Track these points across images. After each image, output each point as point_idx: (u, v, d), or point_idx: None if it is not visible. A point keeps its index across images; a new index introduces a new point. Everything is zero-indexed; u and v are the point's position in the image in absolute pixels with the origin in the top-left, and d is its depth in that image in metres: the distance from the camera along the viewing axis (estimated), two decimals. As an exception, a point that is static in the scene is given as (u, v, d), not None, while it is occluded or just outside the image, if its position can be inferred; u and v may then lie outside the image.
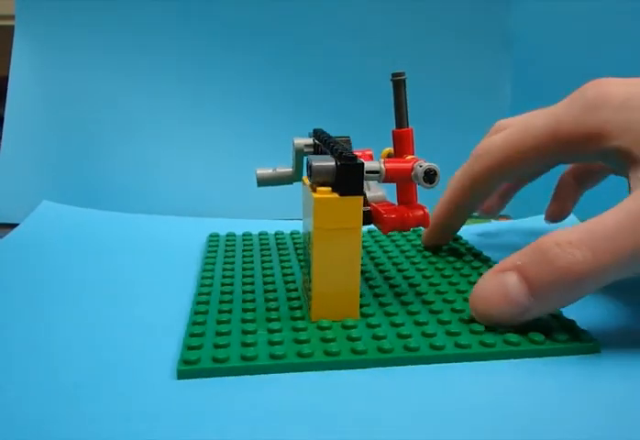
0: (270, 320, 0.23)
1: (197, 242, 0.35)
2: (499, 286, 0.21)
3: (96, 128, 0.49)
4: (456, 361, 0.20)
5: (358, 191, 0.22)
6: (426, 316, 0.23)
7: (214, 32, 0.49)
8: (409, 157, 0.25)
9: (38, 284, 0.29)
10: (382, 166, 0.23)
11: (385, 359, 0.20)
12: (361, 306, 0.24)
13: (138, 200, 0.46)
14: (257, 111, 0.50)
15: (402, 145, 0.25)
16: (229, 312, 0.24)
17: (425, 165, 0.23)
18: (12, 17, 0.49)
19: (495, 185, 0.29)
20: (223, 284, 0.27)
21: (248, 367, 0.20)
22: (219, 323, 0.23)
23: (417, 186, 0.25)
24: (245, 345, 0.21)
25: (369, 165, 0.23)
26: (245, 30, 0.49)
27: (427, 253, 0.32)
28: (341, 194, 0.21)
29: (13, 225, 0.41)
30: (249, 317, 0.23)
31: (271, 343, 0.21)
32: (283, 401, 0.18)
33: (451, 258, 0.31)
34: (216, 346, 0.21)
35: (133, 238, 0.37)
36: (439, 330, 0.22)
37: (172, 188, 0.48)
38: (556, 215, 0.35)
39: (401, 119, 0.25)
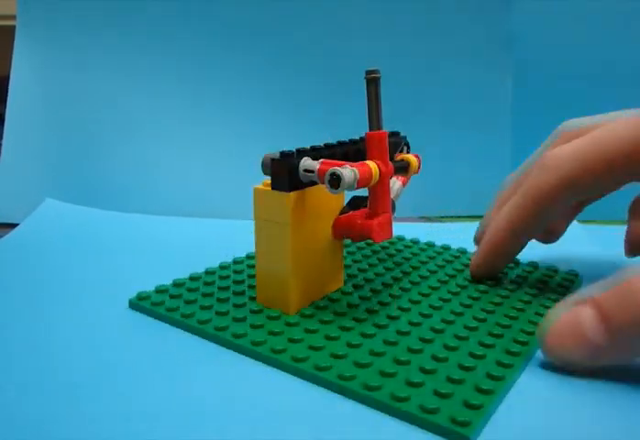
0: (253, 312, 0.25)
1: (198, 242, 0.36)
2: (573, 322, 0.20)
3: (97, 128, 0.49)
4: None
5: (284, 187, 0.22)
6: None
7: (214, 32, 0.49)
8: (369, 161, 0.23)
9: (39, 284, 0.29)
10: (318, 166, 0.22)
11: None
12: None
13: (138, 200, 0.46)
14: (257, 111, 0.50)
15: (379, 149, 0.23)
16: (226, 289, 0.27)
17: (335, 169, 0.21)
18: (13, 17, 0.49)
19: (565, 204, 0.25)
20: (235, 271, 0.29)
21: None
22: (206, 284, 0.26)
23: (388, 192, 0.23)
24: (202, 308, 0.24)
25: (307, 164, 0.22)
26: (245, 30, 0.49)
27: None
28: (272, 188, 0.23)
29: (13, 225, 0.41)
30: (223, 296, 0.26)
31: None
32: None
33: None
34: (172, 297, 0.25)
35: (134, 238, 0.37)
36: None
37: (172, 188, 0.48)
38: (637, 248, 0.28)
39: (374, 120, 0.22)
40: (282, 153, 0.23)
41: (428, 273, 0.30)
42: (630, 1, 0.46)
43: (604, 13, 0.47)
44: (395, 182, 0.28)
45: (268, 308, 0.25)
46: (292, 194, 0.22)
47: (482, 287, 0.28)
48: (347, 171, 0.21)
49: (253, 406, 0.18)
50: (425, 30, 0.49)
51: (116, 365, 0.21)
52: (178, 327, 0.24)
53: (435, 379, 0.19)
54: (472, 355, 0.21)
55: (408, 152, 0.29)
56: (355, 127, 0.29)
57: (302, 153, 0.23)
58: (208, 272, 0.29)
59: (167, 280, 0.28)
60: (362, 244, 0.34)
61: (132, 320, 0.25)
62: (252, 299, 0.26)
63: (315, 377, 0.20)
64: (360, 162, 0.22)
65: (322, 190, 0.23)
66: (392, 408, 0.18)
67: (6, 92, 0.48)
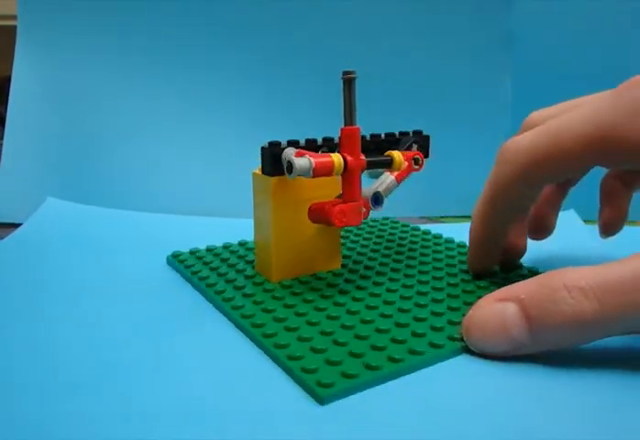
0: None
1: (198, 241, 0.36)
2: (497, 317, 0.20)
3: (97, 128, 0.49)
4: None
5: (267, 171, 0.26)
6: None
7: (213, 33, 0.49)
8: (335, 154, 0.25)
9: (42, 283, 0.29)
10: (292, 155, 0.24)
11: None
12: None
13: (138, 200, 0.46)
14: (257, 111, 0.50)
15: (351, 143, 0.25)
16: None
17: (289, 157, 0.24)
18: (14, 18, 0.49)
19: (525, 194, 0.25)
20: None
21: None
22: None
23: (360, 178, 0.25)
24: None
25: (287, 153, 0.25)
26: (245, 30, 0.49)
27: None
28: (262, 172, 0.26)
29: (13, 225, 0.41)
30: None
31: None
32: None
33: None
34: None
35: (136, 237, 0.37)
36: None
37: (172, 188, 0.49)
38: (611, 227, 0.30)
39: (349, 117, 0.25)
40: (270, 143, 0.26)
41: (430, 268, 0.30)
42: (630, 1, 0.46)
43: (604, 13, 0.47)
44: (388, 177, 0.28)
45: (260, 275, 0.29)
46: (274, 179, 0.26)
47: (470, 281, 0.28)
48: (302, 160, 0.23)
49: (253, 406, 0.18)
50: (425, 30, 0.49)
51: (116, 365, 0.21)
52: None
53: (339, 351, 0.21)
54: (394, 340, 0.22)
55: (418, 150, 0.30)
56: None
57: (292, 144, 0.26)
58: (241, 243, 0.34)
59: (167, 280, 0.28)
60: (387, 234, 0.36)
61: (132, 319, 0.25)
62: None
63: (250, 334, 0.23)
64: (326, 154, 0.24)
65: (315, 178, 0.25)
66: (285, 365, 0.20)
67: (7, 92, 0.48)
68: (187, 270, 0.30)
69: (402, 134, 0.30)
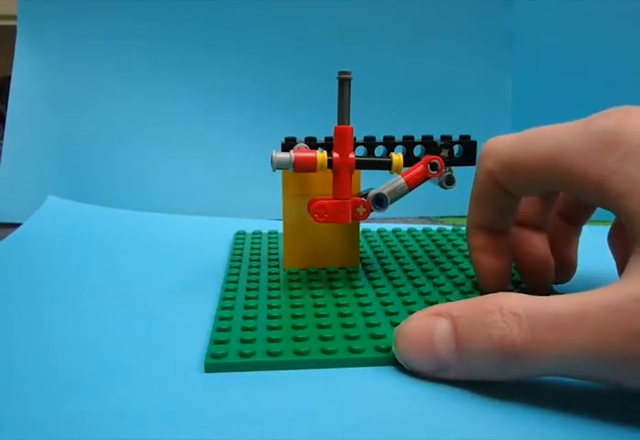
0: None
1: (199, 241, 0.36)
2: (426, 331, 0.19)
3: (97, 128, 0.49)
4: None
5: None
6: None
7: (213, 33, 0.49)
8: (319, 151, 0.25)
9: (44, 282, 0.29)
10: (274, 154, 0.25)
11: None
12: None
13: (138, 199, 0.46)
14: (257, 111, 0.50)
15: (341, 141, 0.25)
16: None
17: (272, 152, 0.25)
18: (14, 17, 0.49)
19: (501, 197, 0.24)
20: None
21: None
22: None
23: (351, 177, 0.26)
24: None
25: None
26: (245, 31, 0.49)
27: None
28: None
29: (14, 225, 0.41)
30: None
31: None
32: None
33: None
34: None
35: (136, 237, 0.38)
36: None
37: (172, 187, 0.49)
38: (562, 275, 0.27)
39: (342, 116, 0.25)
40: (287, 138, 0.27)
41: (444, 277, 0.29)
42: (630, 1, 0.46)
43: (604, 13, 0.47)
44: (398, 180, 0.27)
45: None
46: (284, 172, 0.27)
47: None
48: (281, 154, 0.25)
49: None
50: (425, 31, 0.49)
51: (117, 364, 0.21)
52: None
53: (262, 334, 0.22)
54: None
55: (448, 155, 0.29)
56: (355, 127, 0.29)
57: (309, 141, 0.27)
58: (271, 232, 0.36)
59: (168, 279, 0.28)
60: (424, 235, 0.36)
61: (132, 319, 0.25)
62: None
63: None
64: (313, 151, 0.25)
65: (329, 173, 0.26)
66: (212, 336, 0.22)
67: (8, 92, 0.48)
68: (233, 247, 0.33)
69: (445, 138, 0.29)
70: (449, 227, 0.37)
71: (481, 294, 0.24)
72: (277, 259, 0.31)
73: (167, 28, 0.49)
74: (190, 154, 0.49)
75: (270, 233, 0.37)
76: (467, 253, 0.30)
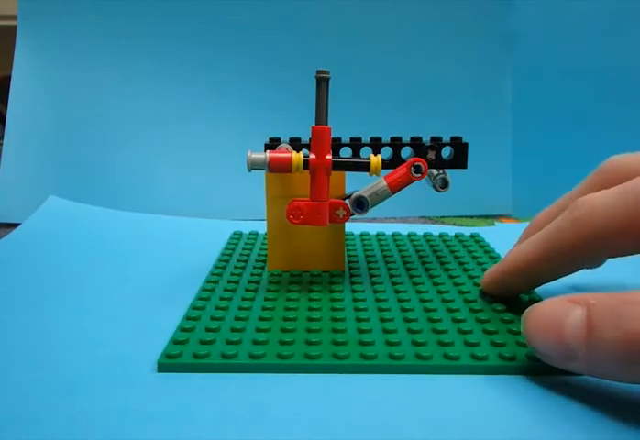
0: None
1: (199, 241, 0.36)
2: (557, 316, 0.18)
3: (97, 127, 0.49)
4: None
5: None
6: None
7: (214, 33, 0.49)
8: (296, 152, 0.25)
9: (40, 282, 0.29)
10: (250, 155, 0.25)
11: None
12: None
13: (138, 200, 0.46)
14: (256, 111, 0.50)
15: (319, 142, 0.25)
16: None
17: (248, 152, 0.25)
18: (14, 18, 0.49)
19: (586, 260, 0.22)
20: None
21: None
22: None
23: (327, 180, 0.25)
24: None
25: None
26: (245, 31, 0.49)
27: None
28: None
29: (14, 225, 0.41)
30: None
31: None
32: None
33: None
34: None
35: (136, 237, 0.38)
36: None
37: (173, 188, 0.49)
38: None
39: (320, 116, 0.24)
40: (271, 139, 0.27)
41: (435, 281, 0.28)
42: (630, 1, 0.46)
43: (604, 13, 0.47)
44: (380, 183, 0.26)
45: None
46: (267, 173, 0.27)
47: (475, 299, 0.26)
48: (256, 155, 0.25)
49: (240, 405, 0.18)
50: (426, 31, 0.49)
51: (117, 364, 0.21)
52: None
53: (222, 336, 0.21)
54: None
55: (434, 157, 0.28)
56: (355, 127, 0.30)
57: (293, 142, 0.27)
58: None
59: (168, 279, 0.28)
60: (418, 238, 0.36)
61: (132, 319, 0.25)
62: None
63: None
64: (290, 152, 0.25)
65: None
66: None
67: (8, 91, 0.48)
68: (225, 247, 0.33)
69: (434, 139, 0.28)
70: (452, 233, 0.37)
71: (472, 304, 0.25)
72: (264, 261, 0.31)
73: (167, 28, 0.49)
74: (190, 154, 0.49)
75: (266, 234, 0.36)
76: (463, 260, 0.31)
